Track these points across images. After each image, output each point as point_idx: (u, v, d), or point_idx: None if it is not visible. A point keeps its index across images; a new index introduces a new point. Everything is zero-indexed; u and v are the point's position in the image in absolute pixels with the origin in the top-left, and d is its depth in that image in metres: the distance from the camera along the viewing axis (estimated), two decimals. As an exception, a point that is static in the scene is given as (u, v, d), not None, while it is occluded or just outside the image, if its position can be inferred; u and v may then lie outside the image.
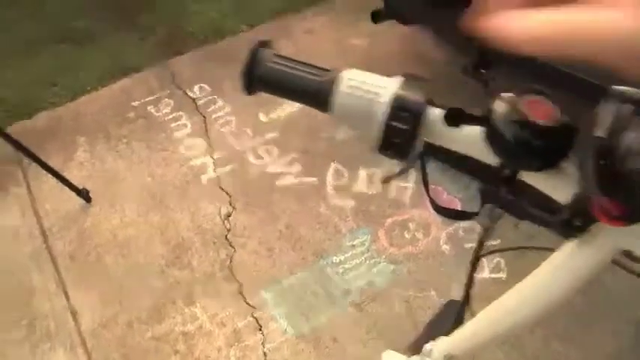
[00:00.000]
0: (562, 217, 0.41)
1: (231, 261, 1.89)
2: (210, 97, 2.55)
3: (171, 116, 2.46)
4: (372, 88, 0.44)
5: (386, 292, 1.75)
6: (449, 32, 2.19)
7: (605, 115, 0.35)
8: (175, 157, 2.27)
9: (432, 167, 2.11)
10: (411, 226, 1.93)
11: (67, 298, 1.86)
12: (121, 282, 1.88)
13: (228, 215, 2.03)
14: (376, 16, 2.13)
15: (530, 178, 0.43)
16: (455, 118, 0.42)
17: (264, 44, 0.47)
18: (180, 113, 2.47)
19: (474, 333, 0.65)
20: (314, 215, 2.00)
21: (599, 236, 0.42)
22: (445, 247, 1.85)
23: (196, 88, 2.60)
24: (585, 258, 0.43)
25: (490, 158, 0.42)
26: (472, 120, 0.42)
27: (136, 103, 2.53)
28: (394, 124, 0.42)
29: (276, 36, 2.91)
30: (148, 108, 2.51)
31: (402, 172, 2.10)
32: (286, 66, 0.46)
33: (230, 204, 2.07)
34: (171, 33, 3.00)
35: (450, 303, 1.45)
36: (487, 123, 0.41)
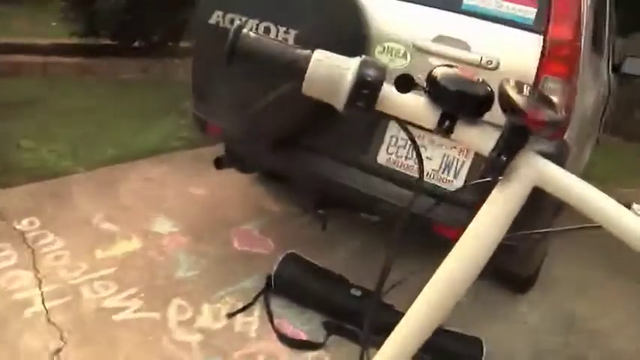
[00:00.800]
0: (491, 160, 0.56)
1: (60, 400, 1.67)
2: (40, 232, 2.40)
3: (-8, 247, 2.24)
4: (339, 61, 0.57)
5: None
6: (288, 174, 2.45)
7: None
8: (-5, 289, 2.03)
9: (276, 303, 2.20)
10: (260, 358, 1.94)
11: None
12: None
13: (59, 350, 1.83)
14: (219, 163, 2.46)
15: (462, 132, 0.58)
16: (404, 84, 0.59)
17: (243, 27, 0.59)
18: (5, 244, 2.27)
19: (427, 303, 0.64)
20: (158, 350, 1.90)
21: (519, 170, 0.57)
22: (294, 377, 1.88)
23: (25, 221, 2.44)
24: (511, 193, 0.57)
25: (431, 120, 0.57)
26: (417, 85, 0.58)
27: (-49, 232, 2.27)
28: (358, 92, 0.55)
29: (114, 181, 2.93)
30: (-35, 237, 2.26)
31: (247, 307, 2.16)
32: (266, 39, 0.60)
33: (61, 338, 1.87)
34: (-2, 166, 2.83)
35: None
36: (431, 84, 0.56)
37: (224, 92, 2.30)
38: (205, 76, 2.44)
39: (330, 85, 0.57)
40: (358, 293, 2.13)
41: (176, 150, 3.49)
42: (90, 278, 2.18)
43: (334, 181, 2.11)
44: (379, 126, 2.07)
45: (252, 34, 0.59)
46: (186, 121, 3.52)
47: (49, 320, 1.94)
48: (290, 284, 2.23)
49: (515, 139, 0.54)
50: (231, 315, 2.11)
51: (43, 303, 2.01)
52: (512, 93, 0.53)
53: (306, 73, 0.57)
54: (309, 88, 0.58)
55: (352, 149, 2.12)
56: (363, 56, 0.58)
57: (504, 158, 0.55)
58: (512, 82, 0.55)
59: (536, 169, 0.56)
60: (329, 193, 2.28)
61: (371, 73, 0.56)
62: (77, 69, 4.41)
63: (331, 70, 0.57)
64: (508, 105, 0.53)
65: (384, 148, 2.07)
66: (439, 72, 0.58)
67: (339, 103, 0.57)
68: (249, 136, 2.16)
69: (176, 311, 2.09)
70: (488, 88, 0.58)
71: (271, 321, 2.11)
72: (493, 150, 0.56)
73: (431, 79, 0.58)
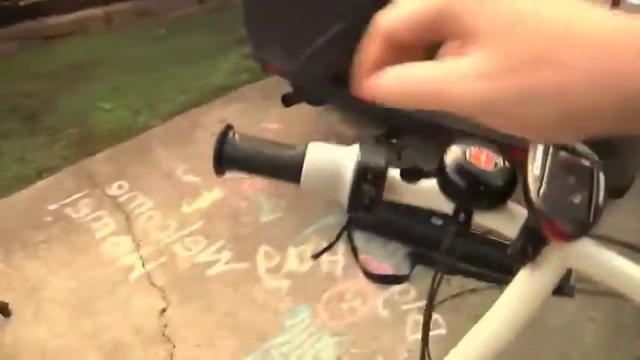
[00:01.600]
0: (515, 246, 0.49)
1: (172, 357, 1.84)
2: (130, 194, 2.53)
3: (91, 217, 2.42)
4: (336, 158, 0.50)
5: (333, 366, 1.78)
6: (354, 107, 2.38)
7: (537, 155, 0.47)
8: (101, 258, 2.21)
9: (359, 237, 2.22)
10: (348, 296, 1.99)
11: None
12: (54, 398, 1.76)
13: (163, 310, 1.99)
14: (286, 100, 2.34)
15: (482, 219, 0.51)
16: (411, 174, 0.51)
17: (230, 127, 0.52)
18: (101, 212, 2.43)
19: None
20: (250, 300, 2.01)
21: (550, 257, 0.50)
22: (384, 312, 1.92)
23: (115, 186, 2.58)
24: (540, 277, 0.51)
25: (446, 207, 0.50)
26: (427, 174, 0.50)
27: (53, 207, 2.46)
28: (360, 187, 0.48)
29: (189, 128, 3.00)
30: (66, 210, 2.44)
31: (331, 247, 2.20)
32: (254, 144, 0.52)
33: (163, 299, 2.04)
34: (81, 133, 2.98)
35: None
36: (440, 175, 0.49)
37: (276, 32, 2.23)
38: (258, 15, 2.37)
39: (329, 185, 0.50)
40: (439, 222, 2.09)
41: (246, 83, 3.46)
42: (181, 235, 2.30)
43: (400, 111, 2.01)
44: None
45: (238, 136, 0.51)
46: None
47: (150, 282, 2.10)
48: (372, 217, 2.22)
49: (539, 236, 0.46)
50: (316, 256, 2.17)
51: (143, 266, 2.17)
52: (532, 186, 0.45)
53: (301, 174, 0.50)
54: (308, 188, 0.51)
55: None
56: (360, 146, 0.50)
57: (530, 249, 0.48)
58: (537, 164, 0.46)
59: (570, 252, 0.48)
60: (398, 123, 2.18)
61: (372, 163, 0.49)
62: (133, 13, 4.41)
63: (329, 168, 0.50)
64: (526, 201, 0.45)
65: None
66: (449, 159, 0.49)
67: (343, 201, 0.50)
68: (304, 78, 2.09)
69: (264, 258, 2.18)
70: (509, 174, 0.48)
71: (356, 257, 2.14)
72: (518, 237, 0.49)
73: (440, 167, 0.49)
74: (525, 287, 0.52)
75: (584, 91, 0.24)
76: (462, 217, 0.50)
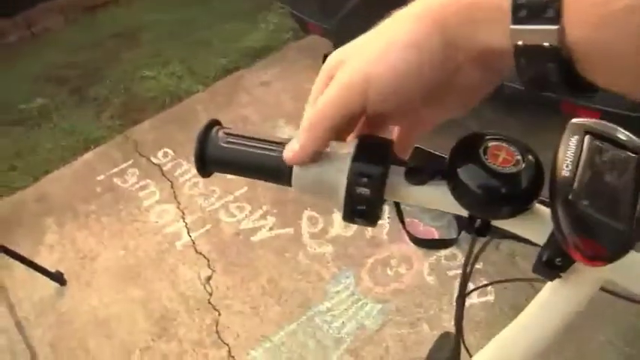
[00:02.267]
0: (542, 258, 0.39)
1: (217, 325, 1.85)
2: (175, 162, 2.54)
3: (138, 185, 2.45)
4: (330, 156, 0.42)
5: (378, 333, 1.74)
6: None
7: (568, 150, 0.36)
8: (148, 227, 2.24)
9: (404, 201, 2.15)
10: (393, 262, 1.94)
11: (53, 389, 1.79)
12: (108, 364, 1.82)
13: (209, 278, 2.01)
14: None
15: (502, 224, 0.41)
16: (416, 175, 0.40)
17: (214, 124, 0.45)
18: (147, 181, 2.46)
19: None
20: (294, 266, 1.99)
21: (582, 271, 0.41)
22: (429, 278, 1.86)
23: (160, 153, 2.60)
24: (571, 294, 0.43)
25: (460, 210, 0.40)
26: (434, 175, 0.40)
27: (101, 177, 2.51)
28: (356, 191, 0.40)
29: (232, 92, 2.96)
30: (114, 180, 2.49)
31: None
32: (240, 144, 0.44)
33: (209, 266, 2.05)
34: (125, 102, 3.01)
35: (444, 335, 1.45)
36: (449, 176, 0.39)
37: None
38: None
39: (323, 189, 0.42)
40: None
41: (287, 42, 3.37)
42: (225, 202, 2.30)
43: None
44: None
45: (222, 133, 0.44)
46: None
47: (196, 250, 2.12)
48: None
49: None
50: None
51: (188, 234, 2.19)
52: (560, 192, 0.35)
53: (291, 177, 0.42)
54: (301, 190, 0.43)
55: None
56: (358, 141, 0.41)
57: (559, 263, 0.38)
58: (568, 160, 0.36)
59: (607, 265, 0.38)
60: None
61: (370, 162, 0.40)
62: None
63: (321, 170, 0.42)
64: (551, 212, 0.36)
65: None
66: (461, 158, 0.38)
67: (338, 206, 0.42)
68: (341, 37, 1.99)
69: (308, 224, 2.15)
70: (535, 172, 0.38)
71: (402, 221, 2.06)
72: (545, 247, 0.39)
73: (450, 167, 0.39)
74: (553, 303, 0.43)
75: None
76: (478, 223, 0.41)
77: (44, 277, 2.01)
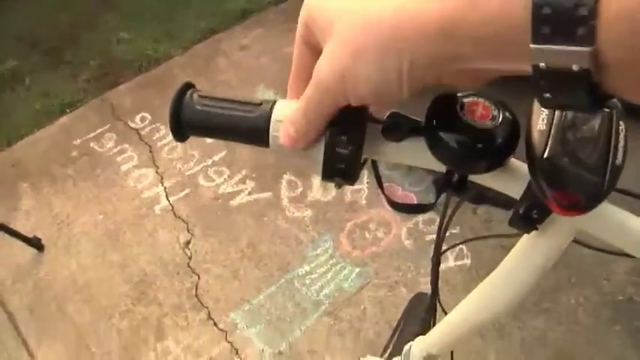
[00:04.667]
0: (517, 213, 0.41)
1: (197, 288, 1.86)
2: (152, 126, 2.51)
3: (115, 150, 2.42)
4: None
5: (356, 295, 1.77)
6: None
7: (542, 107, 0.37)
8: (126, 192, 2.23)
9: (384, 165, 2.15)
10: (371, 226, 1.95)
11: (30, 354, 1.79)
12: (87, 328, 1.82)
13: (188, 243, 2.01)
14: None
15: (479, 178, 0.42)
16: (394, 131, 0.40)
17: (188, 87, 0.44)
18: (125, 146, 2.43)
19: (448, 331, 0.66)
20: (273, 230, 2.00)
21: (557, 223, 0.43)
22: (407, 243, 1.88)
23: (138, 118, 2.56)
24: (547, 245, 0.45)
25: (438, 166, 0.41)
26: (412, 131, 0.40)
27: (77, 141, 2.47)
28: (335, 149, 0.40)
29: (211, 56, 2.91)
30: (91, 144, 2.45)
31: (355, 175, 2.14)
32: (216, 106, 0.43)
33: (188, 231, 2.05)
34: (102, 65, 2.94)
35: (417, 295, 1.47)
36: (427, 131, 0.39)
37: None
38: None
39: (300, 150, 0.41)
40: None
41: (268, 5, 3.30)
42: (204, 166, 2.28)
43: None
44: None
45: (197, 96, 0.43)
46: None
47: (175, 214, 2.11)
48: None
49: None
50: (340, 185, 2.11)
51: (167, 198, 2.18)
52: (536, 145, 0.36)
53: (269, 138, 0.42)
54: (278, 151, 0.43)
55: None
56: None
57: (535, 215, 0.40)
58: (543, 115, 0.36)
59: (581, 216, 0.39)
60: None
61: (347, 121, 0.39)
62: None
63: None
64: (528, 165, 0.37)
65: None
66: (438, 113, 0.39)
67: (317, 167, 0.41)
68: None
69: (287, 188, 2.14)
70: (511, 128, 0.38)
71: (380, 185, 2.07)
72: (521, 201, 0.40)
73: (428, 123, 0.39)
74: (528, 255, 0.44)
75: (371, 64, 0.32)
76: (455, 178, 0.42)
77: (21, 243, 1.99)
